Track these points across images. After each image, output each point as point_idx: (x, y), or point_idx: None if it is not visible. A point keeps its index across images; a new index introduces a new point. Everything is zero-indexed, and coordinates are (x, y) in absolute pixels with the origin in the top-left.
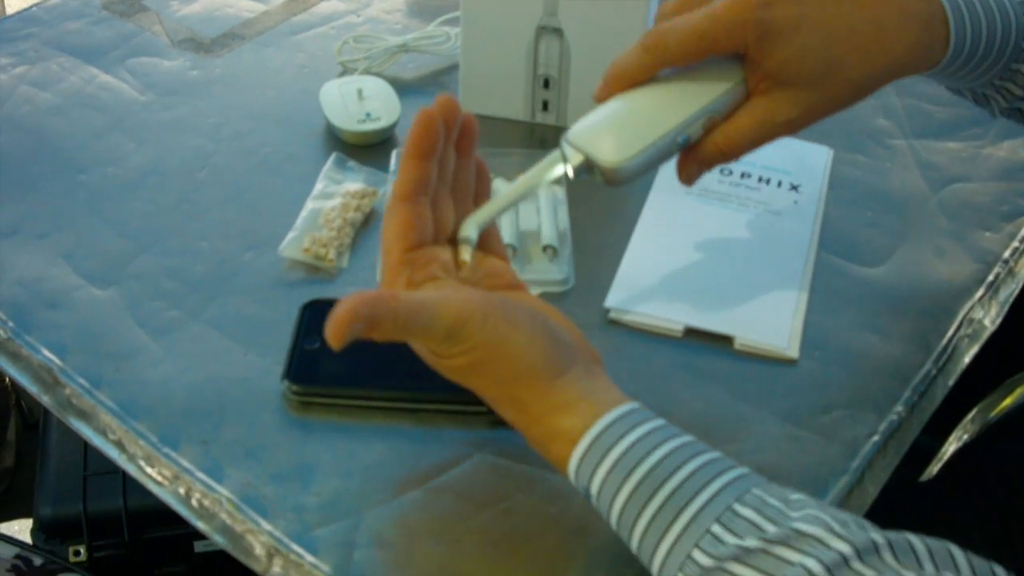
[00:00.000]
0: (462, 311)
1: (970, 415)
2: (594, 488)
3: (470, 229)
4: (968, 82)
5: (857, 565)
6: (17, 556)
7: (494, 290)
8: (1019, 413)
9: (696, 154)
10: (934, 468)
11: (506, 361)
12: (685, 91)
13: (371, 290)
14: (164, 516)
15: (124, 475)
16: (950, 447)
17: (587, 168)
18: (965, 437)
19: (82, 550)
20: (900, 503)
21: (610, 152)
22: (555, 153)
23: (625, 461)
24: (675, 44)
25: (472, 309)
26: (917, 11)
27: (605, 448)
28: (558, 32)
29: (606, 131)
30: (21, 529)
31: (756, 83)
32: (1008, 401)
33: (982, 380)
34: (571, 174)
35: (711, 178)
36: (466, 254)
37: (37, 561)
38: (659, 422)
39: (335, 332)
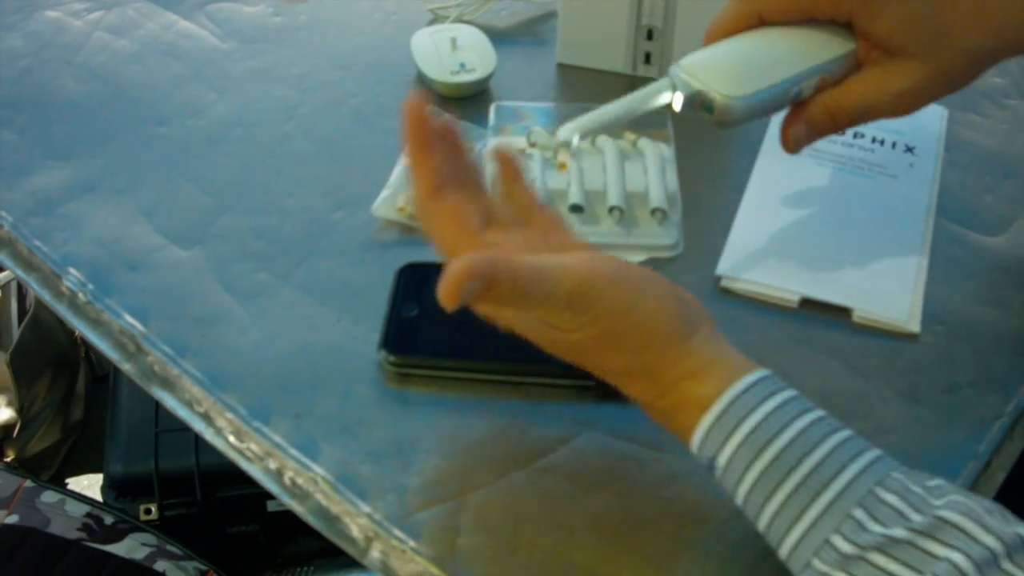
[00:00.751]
0: (586, 276)
1: None
2: (721, 460)
3: (569, 132)
4: None
5: (1007, 565)
6: (88, 515)
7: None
8: None
9: (804, 115)
10: None
11: (635, 328)
12: (801, 45)
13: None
14: (237, 475)
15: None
16: None
17: (695, 101)
18: None
19: (153, 508)
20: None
21: (725, 86)
22: (664, 80)
23: (758, 435)
24: None
25: (597, 273)
26: None
27: (737, 419)
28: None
29: (722, 65)
30: (90, 484)
31: (867, 53)
32: None
33: None
34: (678, 106)
35: (824, 139)
36: (566, 156)
37: (108, 519)
38: (792, 392)
39: (449, 291)
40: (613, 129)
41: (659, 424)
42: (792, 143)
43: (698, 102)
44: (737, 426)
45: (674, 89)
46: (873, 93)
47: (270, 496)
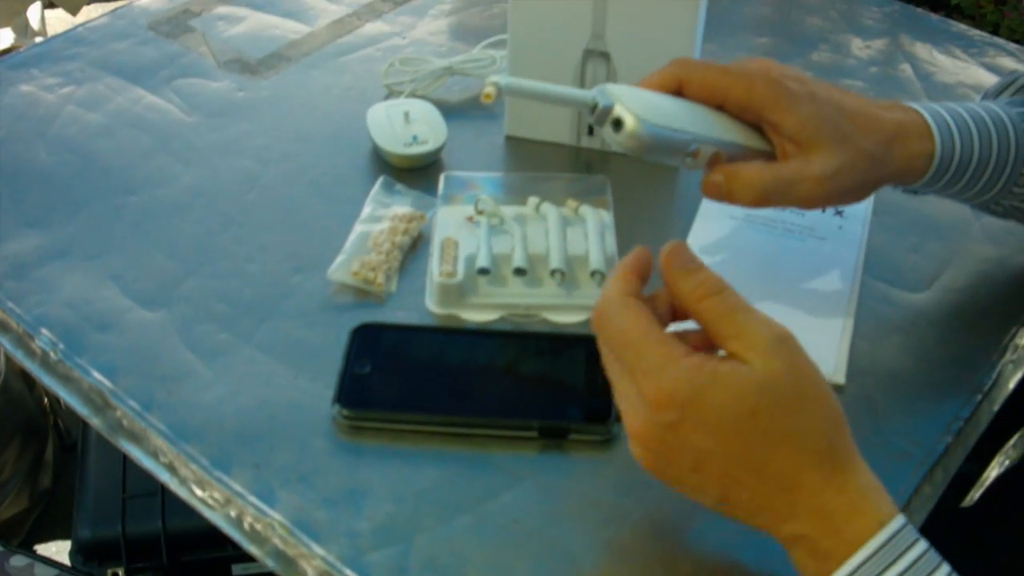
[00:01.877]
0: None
1: (1012, 440)
2: None
3: (504, 79)
4: (978, 195)
5: None
6: None
7: None
8: None
9: (736, 170)
10: (976, 494)
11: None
12: (714, 118)
13: None
14: (203, 539)
15: (163, 497)
16: (992, 472)
17: (608, 116)
18: (1007, 463)
19: (120, 572)
20: (942, 530)
21: (640, 110)
22: (593, 91)
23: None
24: (698, 66)
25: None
26: (900, 118)
27: (897, 554)
28: (605, 56)
29: (643, 97)
30: (59, 551)
31: (783, 148)
32: None
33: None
34: (593, 114)
35: None
36: (491, 89)
37: None
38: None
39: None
40: (537, 99)
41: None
42: (708, 190)
43: (611, 118)
44: (896, 560)
45: (595, 104)
46: (795, 174)
47: (237, 559)
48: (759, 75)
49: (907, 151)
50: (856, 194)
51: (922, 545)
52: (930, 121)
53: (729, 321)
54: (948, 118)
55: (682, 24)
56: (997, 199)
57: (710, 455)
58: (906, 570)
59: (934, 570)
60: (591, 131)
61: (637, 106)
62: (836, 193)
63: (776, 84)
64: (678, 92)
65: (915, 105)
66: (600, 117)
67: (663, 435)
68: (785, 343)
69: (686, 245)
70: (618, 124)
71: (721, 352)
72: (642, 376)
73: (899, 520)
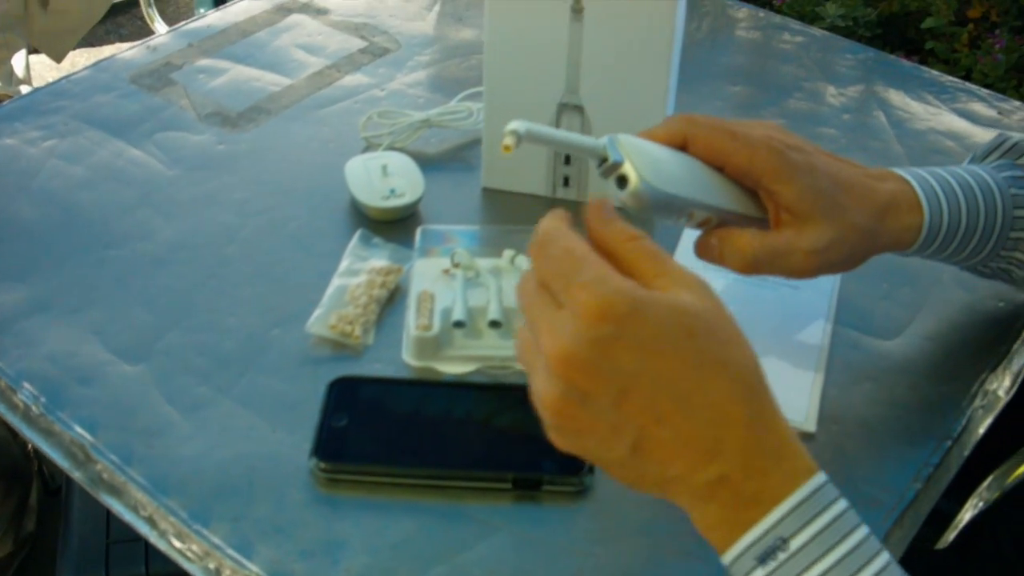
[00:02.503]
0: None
1: (986, 482)
2: (799, 540)
3: (518, 125)
4: (967, 259)
5: None
6: None
7: None
8: None
9: (729, 237)
10: (950, 535)
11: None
12: (716, 183)
13: None
14: None
15: (147, 543)
16: (966, 514)
17: (614, 170)
18: (981, 504)
19: None
20: (917, 572)
21: (647, 171)
22: (603, 140)
23: (841, 524)
24: (704, 125)
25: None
26: (892, 189)
27: (824, 504)
28: (579, 109)
29: (651, 156)
30: None
31: (776, 216)
32: (1023, 469)
33: (998, 447)
34: (601, 166)
35: None
36: (510, 140)
37: None
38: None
39: None
40: (552, 147)
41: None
42: (701, 252)
43: (616, 172)
44: (824, 510)
45: (605, 155)
46: (786, 245)
47: None
48: (762, 143)
49: (898, 224)
50: (845, 266)
51: (843, 503)
52: (919, 192)
53: (655, 260)
54: (937, 187)
55: (654, 78)
56: (985, 262)
57: (638, 380)
58: (829, 524)
59: (854, 529)
60: (566, 183)
61: (644, 166)
62: (825, 265)
63: (778, 155)
64: (683, 147)
65: (904, 173)
66: (607, 170)
67: (592, 355)
68: (707, 287)
69: (609, 201)
70: (623, 181)
71: None
72: (580, 288)
73: (823, 475)
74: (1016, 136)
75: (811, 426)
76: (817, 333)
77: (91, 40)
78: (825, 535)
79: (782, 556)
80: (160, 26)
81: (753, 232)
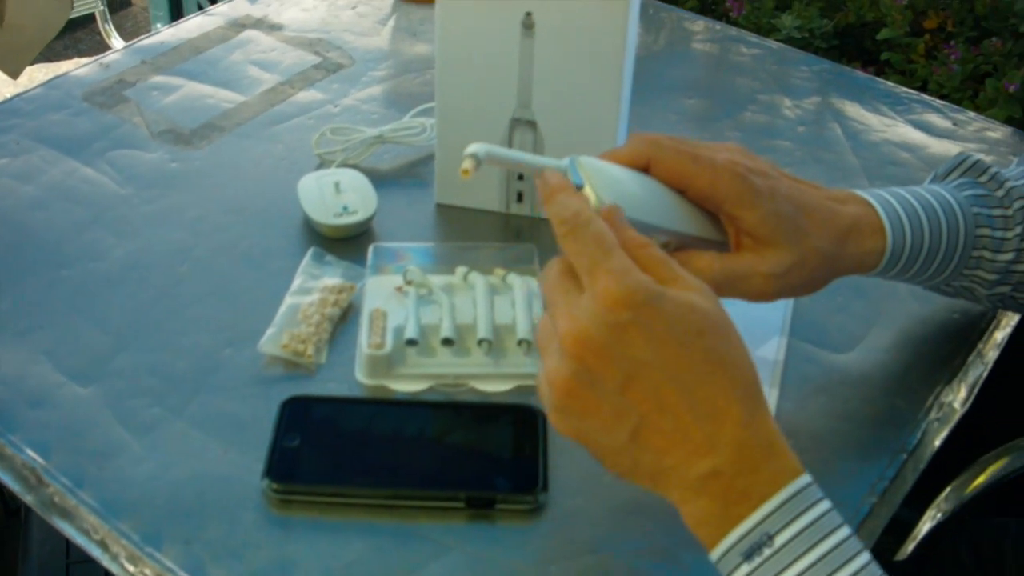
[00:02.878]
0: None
1: (944, 493)
2: (784, 536)
3: (477, 148)
4: (929, 280)
5: None
6: None
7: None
8: (992, 491)
9: (684, 258)
10: (909, 547)
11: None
12: (677, 207)
13: None
14: None
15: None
16: (924, 526)
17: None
18: (939, 516)
19: None
20: None
21: (606, 196)
22: (564, 161)
23: (824, 522)
24: (667, 148)
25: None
26: (855, 213)
27: (809, 502)
28: (531, 124)
29: (611, 180)
30: None
31: (737, 239)
32: (981, 479)
33: (958, 458)
34: None
35: None
36: (469, 163)
37: None
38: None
39: None
40: (510, 168)
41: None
42: None
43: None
44: (808, 509)
45: (566, 174)
46: (746, 269)
47: None
48: (725, 168)
49: (860, 248)
50: (805, 289)
51: (827, 504)
52: (882, 215)
53: (667, 266)
54: (900, 209)
55: (606, 93)
56: (947, 282)
57: (646, 368)
58: (813, 522)
59: (837, 528)
60: (520, 198)
61: (603, 188)
62: (786, 289)
63: (740, 180)
64: (645, 169)
65: (867, 195)
66: None
67: (606, 338)
68: (714, 294)
69: (621, 209)
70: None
71: None
72: (605, 273)
73: (808, 476)
74: (976, 155)
75: None
76: (772, 348)
77: (49, 55)
78: (808, 532)
79: (767, 552)
80: (117, 41)
81: (712, 255)
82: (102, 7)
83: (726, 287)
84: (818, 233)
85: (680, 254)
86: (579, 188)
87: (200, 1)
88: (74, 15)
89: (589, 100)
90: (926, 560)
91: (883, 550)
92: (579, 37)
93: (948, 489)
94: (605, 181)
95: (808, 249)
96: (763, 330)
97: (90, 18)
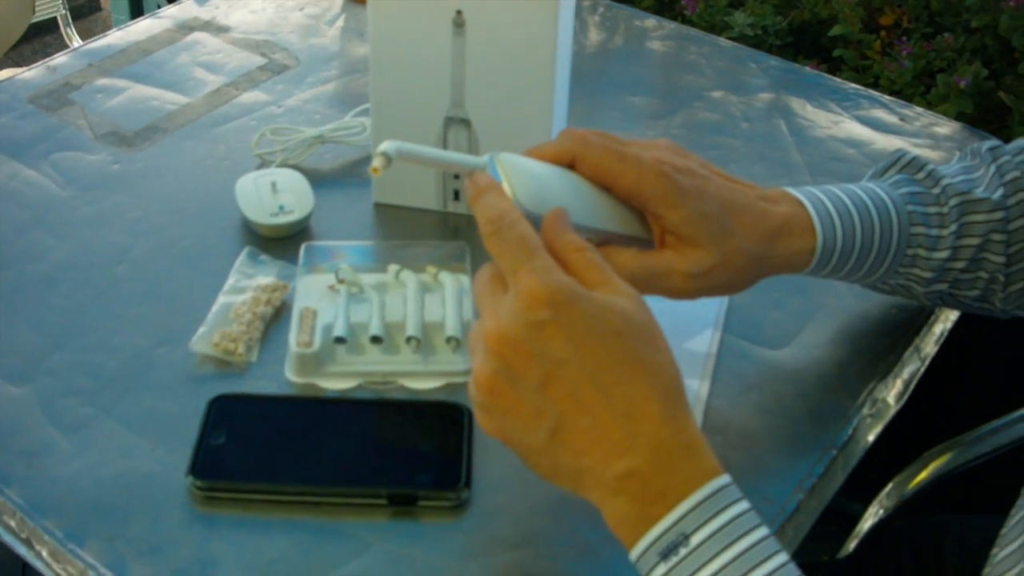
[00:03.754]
0: None
1: (886, 489)
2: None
3: (389, 146)
4: (863, 278)
5: None
6: None
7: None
8: (935, 487)
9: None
10: (850, 544)
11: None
12: (598, 204)
13: None
14: None
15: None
16: (866, 523)
17: None
18: (881, 512)
19: None
20: None
21: (523, 194)
22: (483, 159)
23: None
24: (594, 144)
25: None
26: (785, 212)
27: (727, 502)
28: (466, 123)
29: (530, 177)
30: None
31: (661, 237)
32: (923, 475)
33: (903, 452)
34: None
35: None
36: (379, 161)
37: None
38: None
39: None
40: (427, 166)
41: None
42: None
43: None
44: (725, 509)
45: (484, 171)
46: (665, 267)
47: None
48: (650, 167)
49: (790, 248)
50: (730, 289)
51: (745, 504)
52: (813, 215)
53: (600, 270)
54: (831, 208)
55: (538, 91)
56: (883, 279)
57: (565, 366)
58: (729, 522)
59: (753, 528)
60: (457, 196)
61: (520, 186)
62: (706, 288)
63: (666, 179)
64: (571, 165)
65: (799, 194)
66: None
67: (526, 335)
68: (643, 300)
69: (566, 213)
70: None
71: None
72: (528, 272)
73: (727, 477)
74: (912, 152)
75: None
76: (704, 342)
77: (18, 60)
78: (724, 532)
79: (683, 551)
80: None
81: (632, 252)
82: (63, 11)
83: (645, 284)
84: (745, 234)
85: (601, 249)
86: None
87: (160, 3)
88: (40, 19)
89: (521, 98)
90: (867, 557)
91: (833, 544)
92: (509, 35)
93: (890, 485)
94: (522, 177)
95: (732, 250)
96: (696, 323)
97: (57, 22)
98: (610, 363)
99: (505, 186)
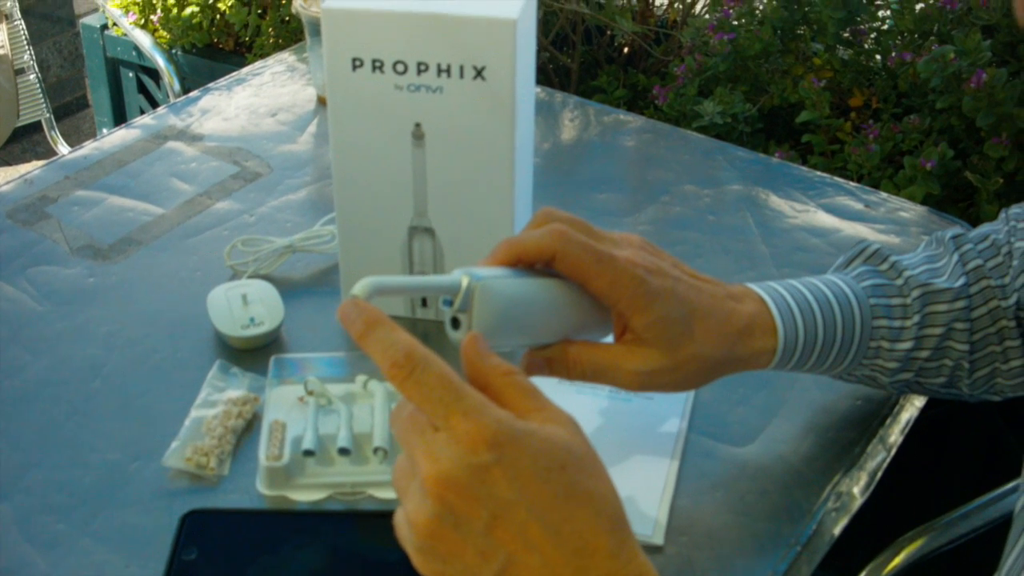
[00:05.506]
0: None
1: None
2: None
3: (363, 286)
4: (828, 371)
5: None
6: None
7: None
8: (909, 572)
9: (548, 352)
10: None
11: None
12: (564, 316)
13: None
14: None
15: None
16: None
17: (459, 320)
18: None
19: None
20: None
21: (485, 324)
22: (458, 284)
23: None
24: (574, 243)
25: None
26: (749, 312)
27: None
28: (429, 232)
29: (498, 309)
30: None
31: (620, 334)
32: (897, 561)
33: (876, 538)
34: (449, 313)
35: None
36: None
37: None
38: None
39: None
40: (402, 296)
41: None
42: (528, 370)
43: (457, 322)
44: None
45: (455, 302)
46: (612, 363)
47: None
48: (625, 271)
49: (751, 348)
50: (680, 388)
51: None
52: (775, 313)
53: (530, 396)
54: (793, 305)
55: (499, 199)
56: (848, 371)
57: (512, 508)
58: None
59: None
60: (425, 303)
61: (488, 320)
62: (653, 386)
63: (639, 283)
64: (551, 260)
65: (761, 291)
66: (453, 318)
67: (470, 480)
68: (576, 423)
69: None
70: (456, 323)
71: None
72: (462, 416)
73: None
74: (876, 243)
75: (659, 539)
76: (668, 443)
77: (8, 159)
78: None
79: None
80: (63, 147)
81: (582, 345)
82: (47, 115)
83: (593, 376)
84: (705, 339)
85: (542, 348)
86: (463, 311)
87: (143, 106)
88: (27, 122)
89: (483, 204)
90: None
91: None
92: (468, 145)
93: (865, 572)
94: (490, 307)
95: (685, 356)
96: (661, 425)
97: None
98: (557, 500)
99: (470, 316)
